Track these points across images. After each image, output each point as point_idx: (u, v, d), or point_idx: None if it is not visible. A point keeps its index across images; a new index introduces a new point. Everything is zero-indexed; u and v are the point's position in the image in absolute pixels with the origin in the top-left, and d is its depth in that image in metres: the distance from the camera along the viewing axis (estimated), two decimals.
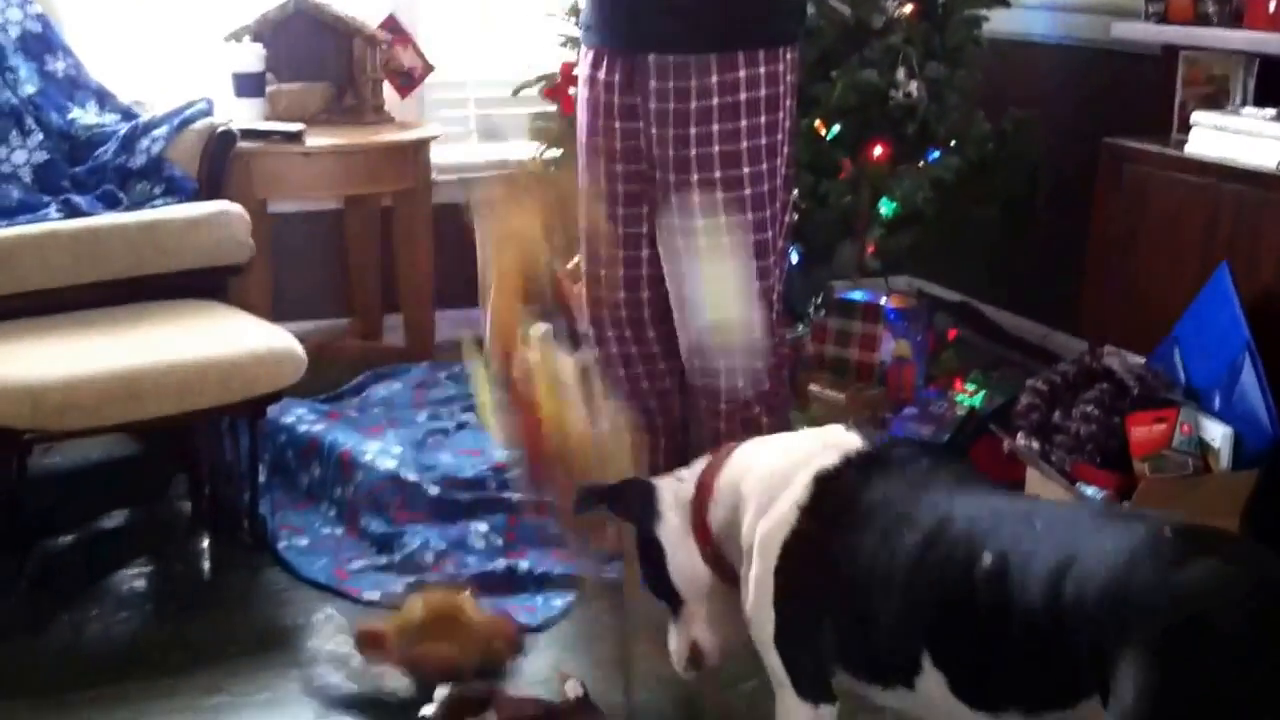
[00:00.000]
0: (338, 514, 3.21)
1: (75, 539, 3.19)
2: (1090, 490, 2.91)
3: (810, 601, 1.86)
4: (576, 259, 4.22)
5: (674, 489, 2.16)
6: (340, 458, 3.28)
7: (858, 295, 4.03)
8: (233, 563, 3.07)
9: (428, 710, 2.28)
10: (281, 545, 3.07)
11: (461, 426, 3.66)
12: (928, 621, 1.72)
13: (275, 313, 4.05)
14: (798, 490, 1.90)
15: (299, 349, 3.11)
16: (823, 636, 1.85)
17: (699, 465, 2.16)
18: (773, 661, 1.93)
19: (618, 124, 2.74)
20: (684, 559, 2.12)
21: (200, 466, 3.39)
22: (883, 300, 3.97)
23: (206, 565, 3.13)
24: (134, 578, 2.98)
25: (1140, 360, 3.12)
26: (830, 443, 1.96)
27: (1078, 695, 1.62)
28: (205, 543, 3.21)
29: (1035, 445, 3.05)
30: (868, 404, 3.76)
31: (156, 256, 3.25)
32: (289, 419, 3.48)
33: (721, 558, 2.09)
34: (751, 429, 2.66)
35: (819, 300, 4.03)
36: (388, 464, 3.23)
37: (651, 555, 2.16)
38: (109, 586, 2.94)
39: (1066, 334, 4.13)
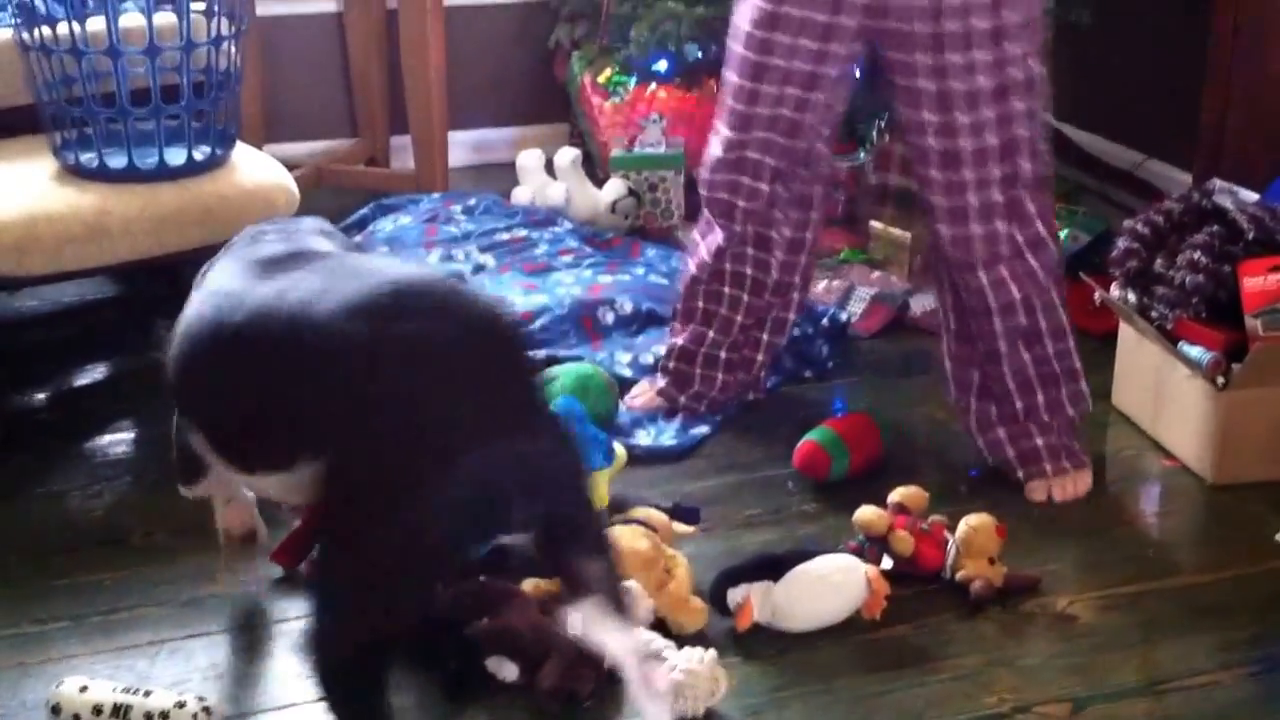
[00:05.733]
0: None
1: (49, 396, 3.08)
2: (1195, 351, 2.74)
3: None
4: (608, 71, 4.05)
5: None
6: None
7: None
8: None
9: None
10: None
11: (479, 269, 3.50)
12: (192, 395, 1.99)
13: (267, 133, 3.90)
14: None
15: (290, 183, 2.97)
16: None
17: None
18: None
19: None
20: None
21: None
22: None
23: None
24: (114, 444, 2.86)
25: (1255, 196, 2.94)
26: None
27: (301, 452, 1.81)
28: None
29: (1131, 297, 2.88)
30: None
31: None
32: None
33: None
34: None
35: (883, 121, 3.82)
36: None
37: None
38: (88, 453, 2.83)
39: (1165, 162, 3.92)
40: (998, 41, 2.45)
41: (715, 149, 2.74)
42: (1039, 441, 2.70)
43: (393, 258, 2.01)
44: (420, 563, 1.75)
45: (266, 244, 2.05)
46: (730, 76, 2.67)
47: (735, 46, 2.64)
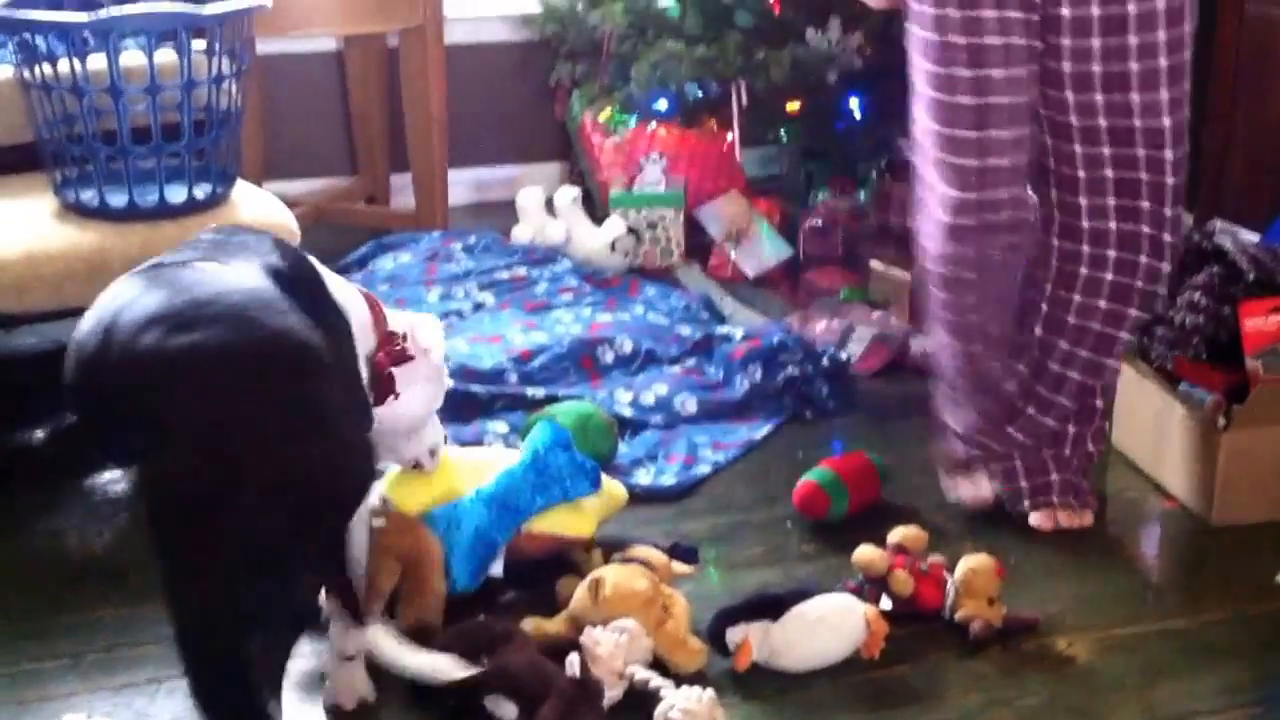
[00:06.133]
0: None
1: (49, 433, 3.10)
2: (1195, 392, 2.77)
3: None
4: (608, 110, 4.09)
5: None
6: None
7: None
8: None
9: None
10: None
11: (479, 307, 3.53)
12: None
13: (267, 171, 3.93)
14: None
15: (290, 221, 2.99)
16: None
17: None
18: None
19: None
20: None
21: None
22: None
23: None
24: (114, 481, 2.88)
25: (1255, 238, 2.96)
26: None
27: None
28: None
29: (1132, 338, 2.90)
30: None
31: None
32: None
33: None
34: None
35: (883, 163, 3.86)
36: None
37: None
38: (87, 490, 2.84)
39: None
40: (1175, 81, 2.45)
41: (943, 213, 2.54)
42: (1054, 477, 2.72)
43: (239, 271, 2.01)
44: (210, 565, 1.82)
45: (181, 252, 2.10)
46: (945, 130, 2.48)
47: (946, 96, 2.46)
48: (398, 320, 2.35)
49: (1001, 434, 2.73)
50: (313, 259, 2.29)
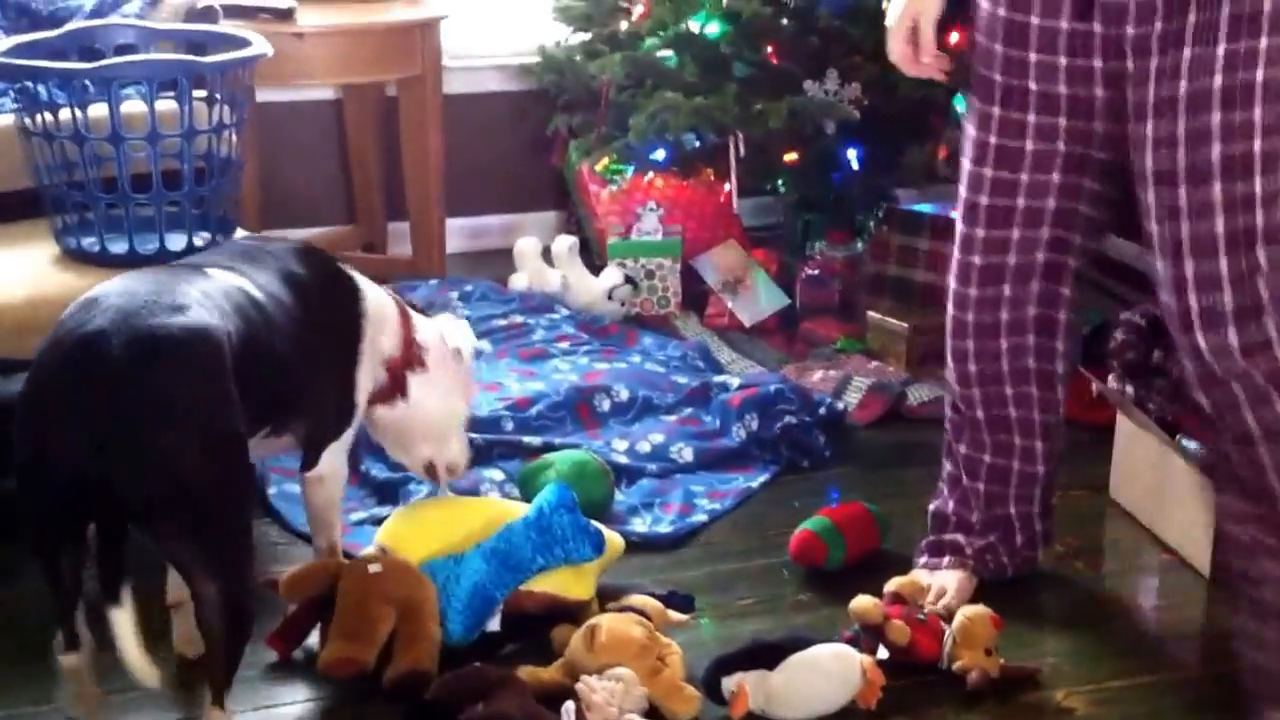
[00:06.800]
0: None
1: None
2: (1193, 445, 2.80)
3: None
4: (606, 159, 4.13)
5: None
6: None
7: (925, 207, 3.90)
8: None
9: None
10: (271, 491, 2.98)
11: (475, 355, 3.55)
12: None
13: (264, 218, 3.97)
14: None
15: None
16: None
17: None
18: None
19: (1062, 59, 2.30)
20: None
21: None
22: (954, 213, 3.83)
23: None
24: None
25: None
26: None
27: None
28: None
29: (1130, 389, 2.94)
30: (934, 333, 3.64)
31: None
32: None
33: None
34: None
35: (880, 212, 3.91)
36: None
37: None
38: None
39: None
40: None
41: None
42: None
43: (215, 277, 2.23)
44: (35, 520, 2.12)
45: (211, 254, 2.37)
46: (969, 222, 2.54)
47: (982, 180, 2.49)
48: (428, 327, 2.60)
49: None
50: (352, 271, 2.51)
